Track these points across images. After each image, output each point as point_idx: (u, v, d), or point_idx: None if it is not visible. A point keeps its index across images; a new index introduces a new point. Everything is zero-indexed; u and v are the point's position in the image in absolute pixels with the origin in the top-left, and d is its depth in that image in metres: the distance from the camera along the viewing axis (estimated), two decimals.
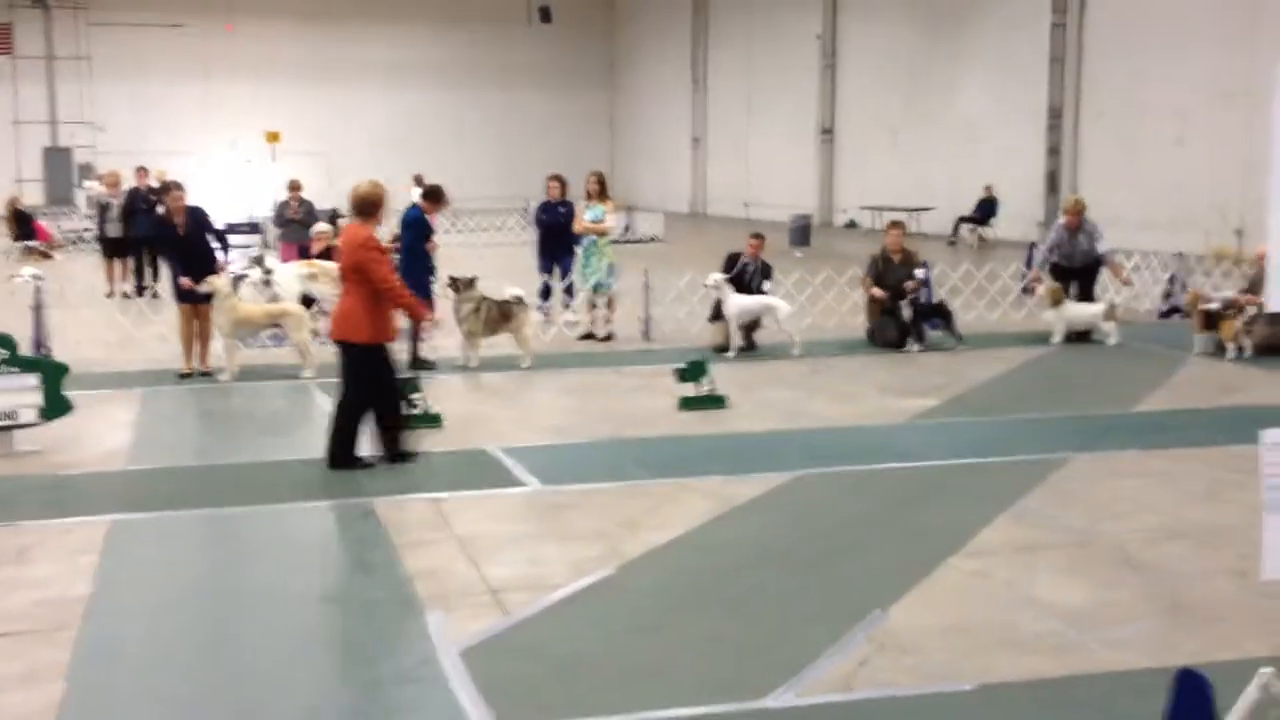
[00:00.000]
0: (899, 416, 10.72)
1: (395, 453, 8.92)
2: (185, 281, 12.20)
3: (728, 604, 6.26)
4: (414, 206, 13.44)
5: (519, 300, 13.38)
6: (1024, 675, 5.32)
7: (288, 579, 6.67)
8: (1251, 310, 13.33)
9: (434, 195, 13.39)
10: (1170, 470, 8.68)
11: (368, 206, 8.92)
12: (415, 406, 10.19)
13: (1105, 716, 4.88)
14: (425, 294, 12.97)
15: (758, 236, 14.87)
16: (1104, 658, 5.50)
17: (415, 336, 13.12)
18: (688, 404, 10.96)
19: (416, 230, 13.10)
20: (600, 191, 15.54)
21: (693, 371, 11.06)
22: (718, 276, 14.05)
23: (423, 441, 9.34)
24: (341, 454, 8.77)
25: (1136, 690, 5.04)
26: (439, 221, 30.87)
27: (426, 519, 7.66)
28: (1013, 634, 5.80)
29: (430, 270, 13.44)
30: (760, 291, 14.31)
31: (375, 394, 8.84)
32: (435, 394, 10.86)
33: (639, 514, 7.78)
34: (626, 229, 33.71)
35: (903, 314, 14.38)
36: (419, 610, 6.10)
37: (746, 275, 14.38)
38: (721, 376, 11.72)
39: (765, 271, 14.55)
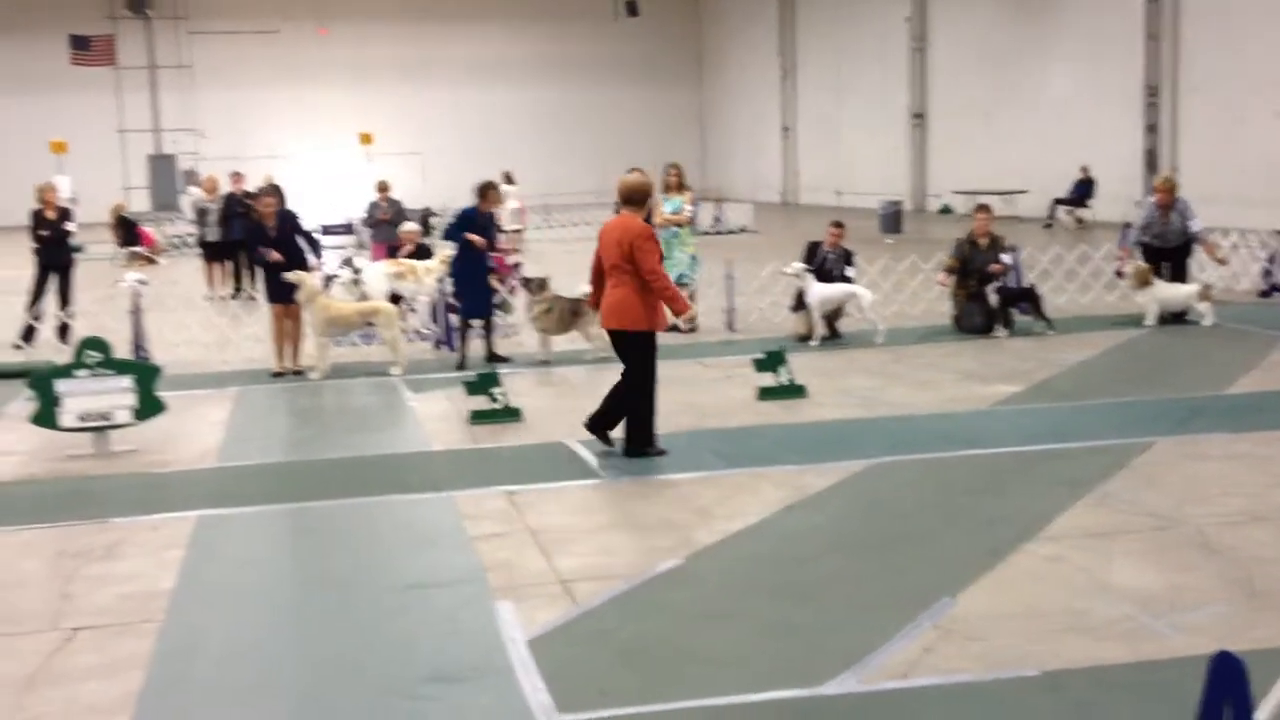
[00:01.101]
0: (980, 403, 10.61)
1: (644, 445, 9.00)
2: (272, 254, 12.54)
3: (795, 592, 6.27)
4: (470, 206, 13.46)
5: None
6: (1092, 661, 5.26)
7: (365, 571, 6.82)
8: None
9: (483, 192, 13.42)
10: (1258, 453, 8.49)
11: (637, 195, 9.01)
12: (496, 400, 10.37)
13: (1171, 702, 4.79)
14: (477, 292, 13.16)
15: (838, 225, 14.79)
16: (1175, 642, 5.42)
17: (488, 331, 13.37)
18: (767, 394, 10.96)
19: (463, 227, 13.11)
20: (679, 184, 15.56)
21: (771, 361, 11.07)
22: (798, 265, 14.01)
23: (503, 435, 9.48)
24: (642, 441, 8.95)
25: (1202, 675, 4.94)
26: (529, 218, 31.26)
27: (501, 511, 7.78)
28: (1084, 620, 5.73)
29: (488, 268, 13.44)
30: (844, 279, 14.24)
31: (637, 381, 8.97)
32: (514, 388, 11.00)
33: (711, 504, 7.81)
34: (717, 220, 33.73)
35: (990, 299, 14.21)
36: (490, 601, 6.21)
37: (827, 264, 14.31)
38: (802, 366, 11.72)
39: (847, 258, 14.47)
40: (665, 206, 15.44)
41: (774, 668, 5.32)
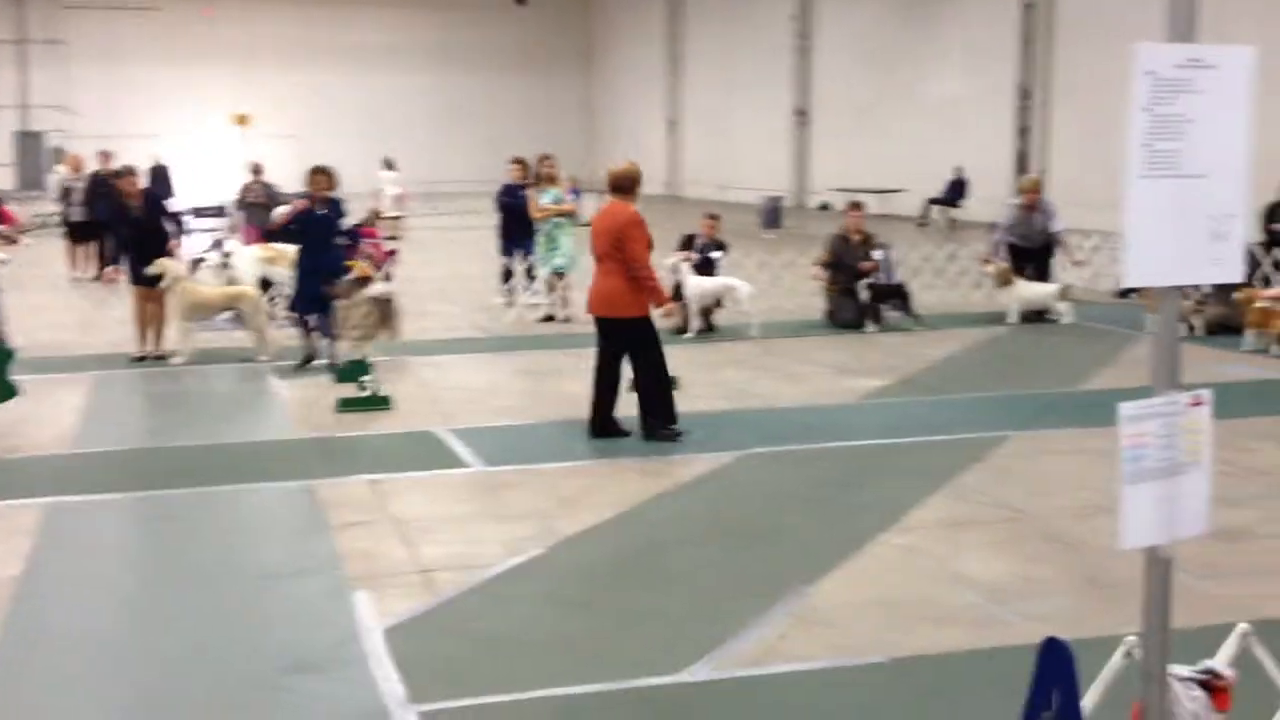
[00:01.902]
0: (848, 396, 10.79)
1: (664, 428, 9.04)
2: (111, 272, 12.06)
3: (656, 580, 6.32)
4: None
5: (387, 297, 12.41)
6: (939, 648, 5.39)
7: (220, 561, 6.70)
8: (1204, 290, 13.42)
9: (311, 177, 12.12)
10: (1107, 448, 8.66)
11: (628, 183, 9.06)
12: (365, 388, 10.25)
13: (1012, 688, 4.91)
14: (305, 287, 12.04)
15: (712, 216, 14.93)
16: (1020, 630, 5.57)
17: (315, 330, 12.21)
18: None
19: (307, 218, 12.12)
20: (553, 175, 15.52)
21: None
22: (677, 259, 14.09)
23: (371, 424, 9.37)
24: (667, 418, 9.04)
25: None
26: (411, 204, 30.85)
27: (364, 500, 7.69)
28: (934, 608, 5.87)
29: (327, 264, 12.00)
30: (710, 261, 14.37)
31: (649, 365, 9.01)
32: (386, 376, 10.89)
33: (578, 493, 7.83)
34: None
35: (861, 295, 14.45)
36: (347, 590, 6.14)
37: (703, 254, 14.44)
38: (677, 357, 11.74)
39: (719, 247, 14.60)
40: (543, 198, 15.39)
41: (631, 656, 5.35)
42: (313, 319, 12.17)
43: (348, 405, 10.17)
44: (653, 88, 47.21)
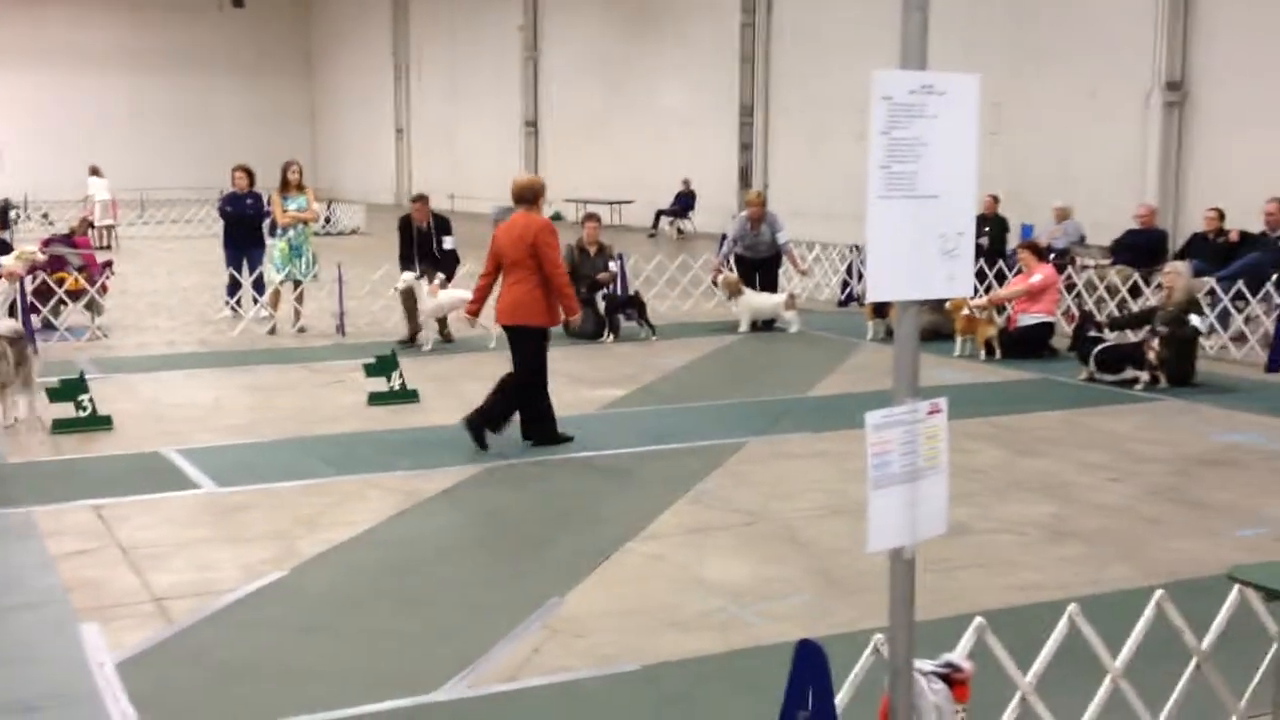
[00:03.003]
0: (588, 407, 10.90)
1: (552, 435, 9.27)
2: None
3: (404, 599, 6.22)
4: None
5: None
6: (687, 653, 5.50)
7: None
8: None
9: None
10: (836, 450, 9.17)
11: (529, 194, 9.31)
12: (84, 408, 9.69)
13: (758, 688, 5.08)
14: None
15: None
16: (762, 631, 5.76)
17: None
18: (377, 399, 10.82)
19: None
20: (299, 182, 15.19)
21: (382, 366, 10.93)
22: (409, 277, 13.90)
23: (92, 445, 8.86)
24: (549, 434, 9.25)
25: (787, 661, 5.28)
26: (123, 212, 29.39)
27: (89, 527, 7.27)
28: (680, 614, 5.99)
29: None
30: (441, 246, 14.29)
31: (530, 372, 9.22)
32: (103, 394, 10.32)
33: (319, 512, 7.62)
34: (328, 221, 33.02)
35: (598, 305, 14.63)
36: (73, 623, 5.78)
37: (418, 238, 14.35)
38: (416, 371, 11.64)
39: (444, 227, 14.53)
40: (289, 205, 14.97)
41: (381, 678, 5.24)
42: None
43: (64, 426, 9.58)
44: (380, 96, 46.52)
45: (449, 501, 7.97)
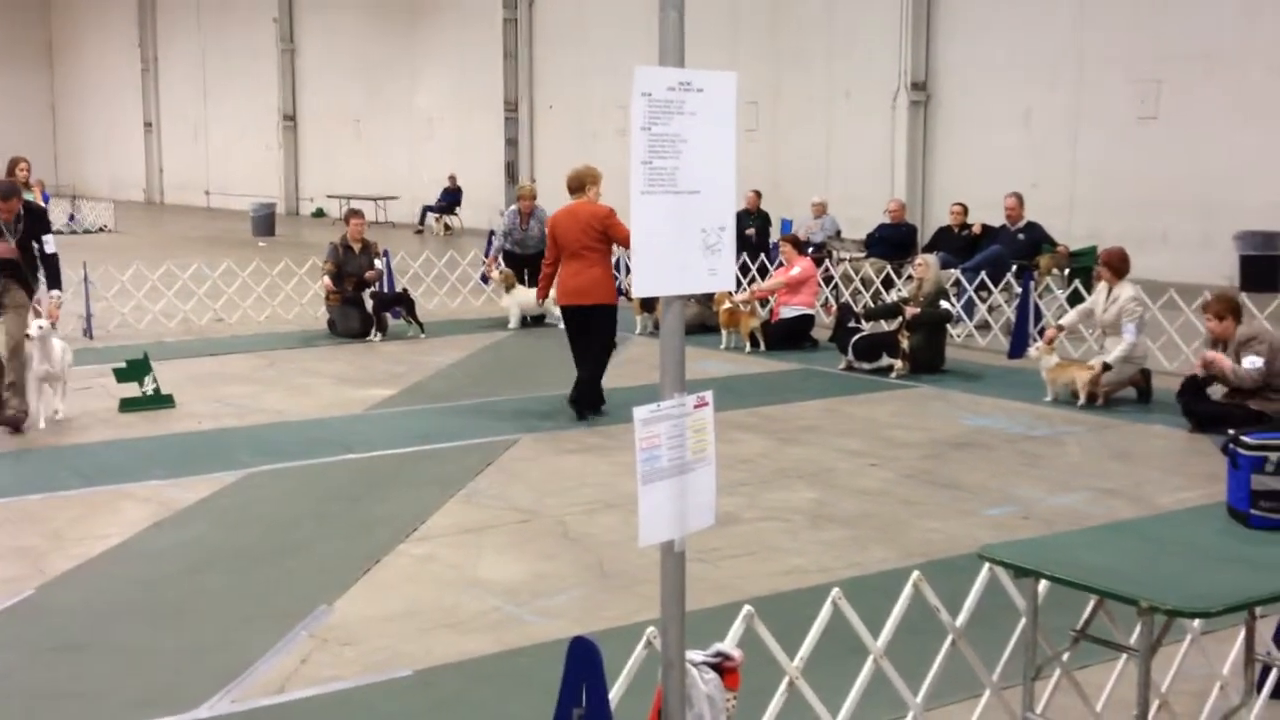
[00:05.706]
0: (356, 407, 10.68)
1: (599, 403, 10.23)
2: None
3: (164, 613, 5.95)
4: None
5: None
6: (461, 655, 5.45)
7: None
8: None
9: None
10: (607, 445, 9.24)
11: (576, 184, 9.94)
12: None
13: (533, 686, 5.06)
14: None
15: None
16: (536, 628, 5.75)
17: None
18: (130, 405, 10.33)
19: None
20: (28, 179, 14.35)
21: (134, 370, 10.44)
22: None
23: None
24: (597, 400, 10.23)
25: (563, 658, 5.28)
26: None
27: None
28: (454, 615, 5.92)
29: None
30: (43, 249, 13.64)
31: (610, 345, 10.26)
32: None
33: (67, 526, 7.23)
34: (72, 219, 31.42)
35: (365, 303, 14.35)
36: None
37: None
38: (171, 374, 11.18)
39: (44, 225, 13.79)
40: None
41: (141, 696, 5.01)
42: None
43: None
44: (127, 89, 44.48)
45: (208, 510, 7.67)
